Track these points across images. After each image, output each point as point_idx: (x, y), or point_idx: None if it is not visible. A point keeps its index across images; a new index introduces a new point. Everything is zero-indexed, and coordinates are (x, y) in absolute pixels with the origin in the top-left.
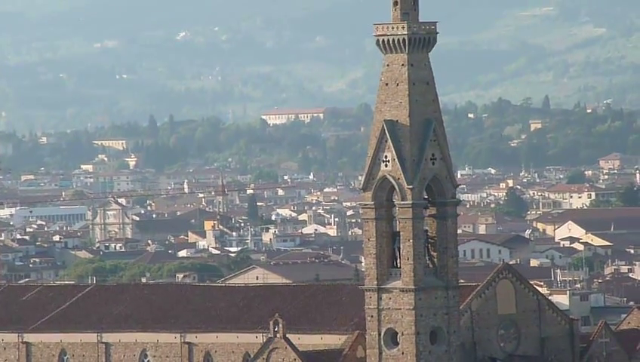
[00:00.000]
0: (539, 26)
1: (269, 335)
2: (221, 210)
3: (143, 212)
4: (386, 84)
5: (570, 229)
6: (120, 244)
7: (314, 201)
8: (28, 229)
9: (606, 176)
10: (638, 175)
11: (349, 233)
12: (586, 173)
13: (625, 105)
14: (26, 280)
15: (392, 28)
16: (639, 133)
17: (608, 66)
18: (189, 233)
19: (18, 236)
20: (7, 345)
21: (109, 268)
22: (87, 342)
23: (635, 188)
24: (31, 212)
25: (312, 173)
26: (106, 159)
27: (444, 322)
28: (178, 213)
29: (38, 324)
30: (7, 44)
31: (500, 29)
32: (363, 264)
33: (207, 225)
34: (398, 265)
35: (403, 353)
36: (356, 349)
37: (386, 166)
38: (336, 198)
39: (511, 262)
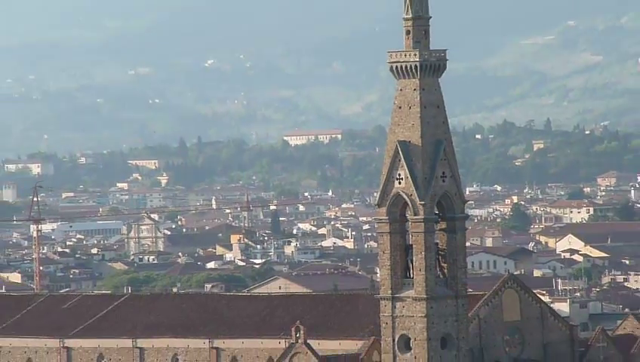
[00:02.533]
0: (541, 53)
1: (291, 341)
2: (246, 224)
3: (173, 226)
4: (399, 107)
5: (570, 242)
6: (153, 257)
7: (332, 216)
8: (68, 243)
9: (603, 193)
10: (633, 191)
11: (365, 246)
12: (585, 189)
13: (621, 127)
14: (66, 289)
15: (405, 55)
16: (634, 152)
17: (605, 91)
18: (217, 246)
19: (59, 249)
20: (50, 350)
21: (143, 278)
22: (122, 346)
23: (630, 204)
24: (71, 227)
25: (330, 191)
26: (139, 178)
27: (454, 329)
28: (206, 228)
29: (78, 330)
30: (47, 72)
31: (504, 56)
32: (378, 275)
33: (234, 238)
34: (411, 275)
35: (415, 357)
36: (372, 354)
37: (400, 183)
38: (353, 214)
39: (515, 273)
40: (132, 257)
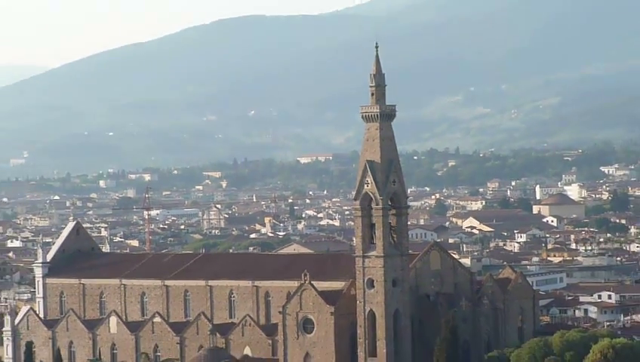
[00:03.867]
0: (453, 106)
1: (301, 282)
2: (273, 211)
3: (230, 212)
4: (367, 140)
5: (471, 222)
6: (217, 230)
7: (326, 206)
8: (166, 222)
9: (491, 192)
10: (508, 191)
11: (346, 224)
12: (480, 190)
13: (502, 152)
14: (165, 250)
15: (370, 108)
16: (509, 168)
17: (492, 130)
18: (256, 224)
19: (160, 226)
20: (155, 287)
21: (211, 244)
22: (199, 285)
23: (506, 199)
24: (168, 213)
25: (325, 190)
26: (209, 182)
27: (400, 274)
28: (250, 213)
29: (172, 275)
30: (151, 118)
31: (431, 108)
32: (354, 241)
33: (266, 220)
34: (374, 242)
35: (377, 291)
36: (350, 289)
37: (368, 186)
38: (339, 204)
39: (437, 241)
40: (205, 231)
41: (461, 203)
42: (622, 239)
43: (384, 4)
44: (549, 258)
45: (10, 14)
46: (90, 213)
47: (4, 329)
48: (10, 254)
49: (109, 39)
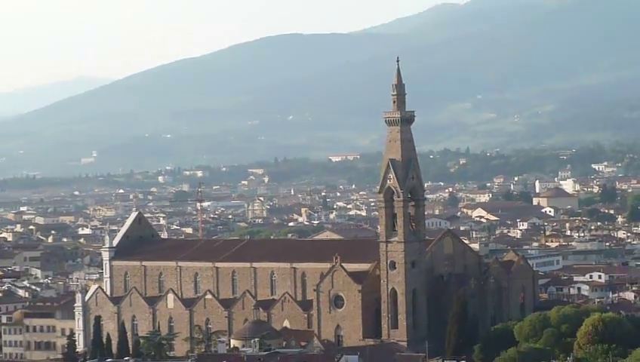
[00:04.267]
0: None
1: (333, 264)
2: (309, 203)
3: (271, 204)
4: (389, 141)
5: (480, 212)
6: (260, 219)
7: (355, 198)
8: (216, 213)
9: (496, 186)
10: (512, 185)
11: (372, 214)
12: (487, 184)
13: (505, 151)
14: (215, 236)
15: (392, 114)
16: (512, 165)
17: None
18: (294, 214)
19: (211, 216)
20: (207, 269)
21: (255, 231)
22: (244, 267)
23: (510, 192)
24: (217, 204)
25: (353, 185)
26: (253, 178)
27: (418, 257)
28: (288, 204)
29: (222, 258)
30: (209, 123)
31: (444, 114)
32: (379, 229)
33: (303, 210)
34: (396, 229)
35: (398, 272)
36: (375, 270)
37: (390, 181)
38: (365, 197)
39: (451, 228)
40: (249, 220)
41: (470, 196)
42: (610, 227)
43: (404, 24)
44: (546, 243)
45: (81, 34)
46: (151, 204)
47: (75, 305)
48: (81, 240)
49: (167, 54)
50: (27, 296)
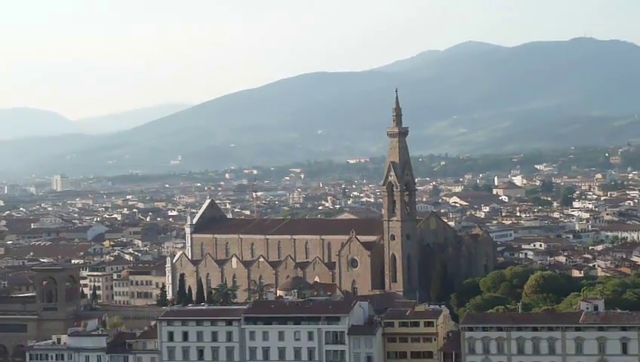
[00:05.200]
0: (443, 130)
1: (350, 236)
2: (333, 192)
3: (306, 193)
4: (391, 149)
5: (455, 199)
6: (298, 205)
7: (366, 190)
8: (266, 200)
9: (467, 181)
10: (478, 180)
11: (378, 200)
12: (460, 179)
13: (475, 156)
14: (265, 217)
15: (393, 129)
16: (479, 166)
17: (468, 143)
18: (322, 201)
19: (263, 202)
20: (260, 240)
21: (294, 213)
22: (286, 238)
23: (477, 185)
24: (267, 193)
25: (364, 180)
26: (293, 175)
27: (411, 231)
28: (318, 194)
29: (270, 232)
30: (259, 135)
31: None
32: (383, 211)
33: (329, 198)
34: (395, 211)
35: (397, 242)
36: (381, 241)
37: (391, 177)
38: (373, 188)
39: (434, 211)
40: (290, 205)
41: (448, 187)
42: (548, 210)
43: (401, 64)
44: (503, 221)
45: (170, 69)
46: (220, 193)
47: (166, 266)
48: (170, 219)
49: (231, 85)
50: (131, 259)
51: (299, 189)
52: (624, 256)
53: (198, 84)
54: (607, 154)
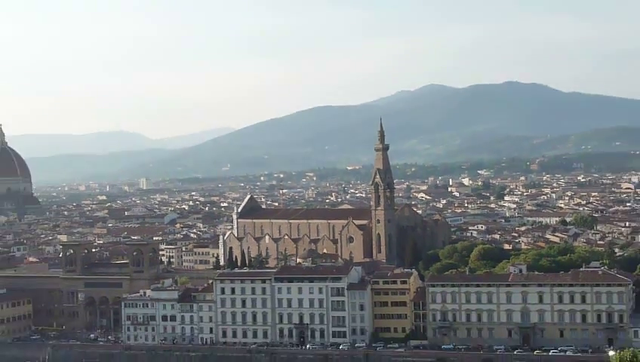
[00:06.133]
0: (415, 146)
1: (348, 220)
2: (336, 190)
3: (318, 190)
4: (377, 159)
5: (422, 195)
6: (312, 198)
7: (360, 188)
8: (289, 195)
9: (430, 182)
10: (438, 181)
11: (368, 196)
12: (425, 181)
13: (435, 165)
14: (289, 207)
15: (378, 145)
16: (439, 171)
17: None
18: (329, 196)
19: (286, 196)
20: (285, 223)
21: (309, 204)
22: (303, 223)
23: (437, 185)
24: (289, 190)
25: (359, 180)
26: (308, 177)
27: (392, 217)
28: (326, 190)
29: (292, 217)
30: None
31: (403, 146)
32: (371, 203)
33: (333, 194)
34: (380, 203)
35: (381, 225)
36: (370, 224)
37: (377, 179)
38: (365, 187)
39: (407, 203)
40: (306, 198)
41: (417, 186)
42: (487, 202)
43: (384, 100)
44: (455, 210)
45: (218, 101)
46: (257, 190)
47: (220, 241)
48: (222, 209)
49: (262, 114)
50: (195, 236)
51: (312, 188)
52: (540, 235)
53: (241, 113)
54: (528, 163)
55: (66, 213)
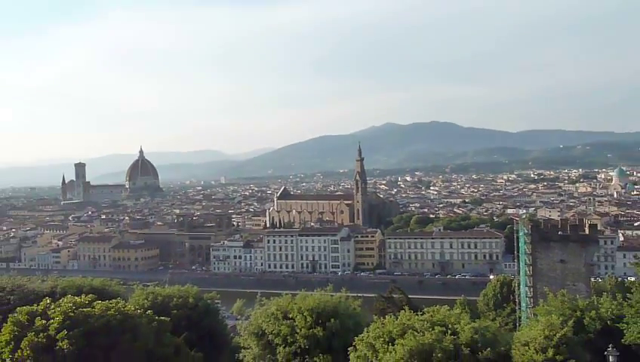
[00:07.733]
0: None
1: (340, 201)
2: (334, 183)
3: (323, 184)
4: (356, 168)
5: (384, 186)
6: (320, 188)
7: (349, 183)
8: (306, 187)
9: (388, 179)
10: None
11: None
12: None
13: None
14: (306, 194)
15: (357, 158)
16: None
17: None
18: (330, 187)
19: (304, 187)
20: (303, 203)
21: (318, 192)
22: (314, 202)
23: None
24: (306, 185)
25: (348, 178)
26: (317, 177)
27: (366, 199)
28: (328, 184)
29: (308, 198)
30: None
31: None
32: (354, 191)
33: (333, 186)
34: (359, 190)
35: (360, 204)
36: (353, 203)
37: (357, 177)
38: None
39: (374, 190)
40: (317, 189)
41: (380, 181)
42: (420, 191)
43: (364, 131)
44: (402, 195)
45: (265, 129)
46: (288, 184)
47: (266, 212)
48: (268, 194)
49: (288, 140)
50: (252, 209)
51: (320, 182)
52: (451, 209)
53: (281, 137)
54: (444, 168)
55: (178, 196)
